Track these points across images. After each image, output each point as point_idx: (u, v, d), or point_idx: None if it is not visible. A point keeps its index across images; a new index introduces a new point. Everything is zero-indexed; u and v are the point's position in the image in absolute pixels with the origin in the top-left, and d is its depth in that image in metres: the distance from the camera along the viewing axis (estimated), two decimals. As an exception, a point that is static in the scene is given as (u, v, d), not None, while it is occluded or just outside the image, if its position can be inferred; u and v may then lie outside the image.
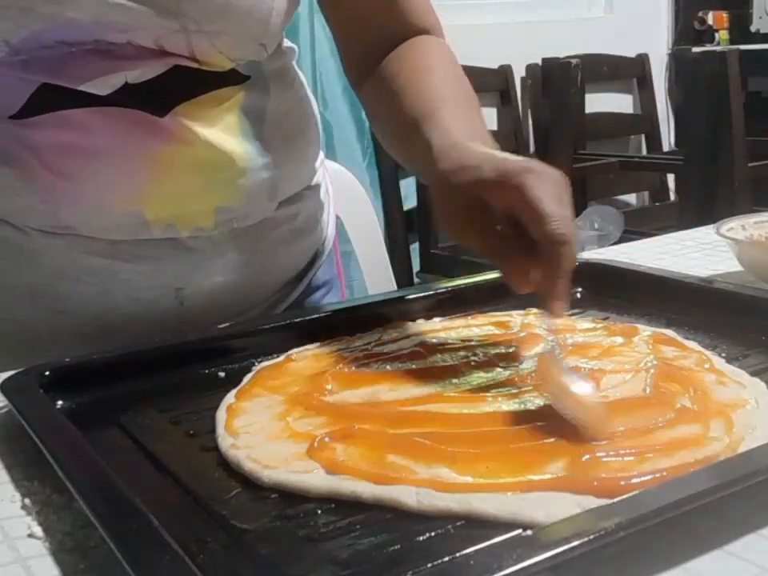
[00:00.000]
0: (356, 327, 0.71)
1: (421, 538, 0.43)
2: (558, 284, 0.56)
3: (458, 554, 0.41)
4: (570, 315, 0.74)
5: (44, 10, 0.66)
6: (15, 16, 0.66)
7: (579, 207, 2.93)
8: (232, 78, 0.75)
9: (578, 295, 0.81)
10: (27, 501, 0.50)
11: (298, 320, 0.73)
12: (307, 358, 0.66)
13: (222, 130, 0.74)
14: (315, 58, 2.51)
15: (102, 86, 0.69)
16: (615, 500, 0.43)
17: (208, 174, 0.74)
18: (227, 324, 0.71)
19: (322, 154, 0.91)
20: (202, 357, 0.67)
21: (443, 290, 0.79)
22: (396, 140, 0.77)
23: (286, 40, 0.84)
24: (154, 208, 0.72)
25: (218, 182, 0.75)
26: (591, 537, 0.39)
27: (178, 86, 0.72)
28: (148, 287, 0.74)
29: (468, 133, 0.66)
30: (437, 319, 0.73)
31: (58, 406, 0.60)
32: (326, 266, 0.91)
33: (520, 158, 0.60)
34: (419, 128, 0.68)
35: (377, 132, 0.83)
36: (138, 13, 0.67)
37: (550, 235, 0.55)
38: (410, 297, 0.78)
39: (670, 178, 3.42)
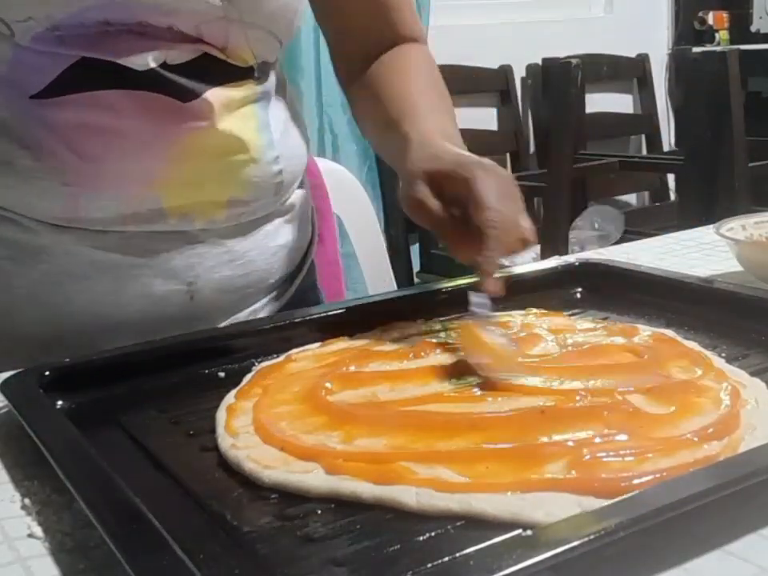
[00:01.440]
0: (356, 327, 0.71)
1: (421, 538, 0.43)
2: (486, 262, 0.63)
3: (457, 554, 0.41)
4: (570, 315, 0.74)
5: None
6: None
7: (579, 207, 2.93)
8: (250, 76, 0.78)
9: (578, 295, 0.81)
10: (27, 501, 0.50)
11: (298, 320, 0.73)
12: (307, 358, 0.66)
13: (240, 119, 0.77)
14: (320, 74, 2.55)
15: (141, 62, 0.71)
16: (615, 500, 0.43)
17: (224, 160, 0.76)
18: (227, 324, 0.71)
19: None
20: (202, 357, 0.67)
21: (443, 289, 0.78)
22: (377, 137, 0.85)
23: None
24: (172, 195, 0.74)
25: (232, 170, 0.77)
26: (591, 537, 0.39)
27: (206, 74, 0.74)
28: (160, 282, 0.75)
29: (439, 132, 0.74)
30: (437, 319, 0.73)
31: (58, 406, 0.60)
32: (311, 269, 0.93)
33: (477, 157, 0.68)
34: (398, 126, 0.76)
35: (361, 129, 0.90)
36: None
37: (483, 221, 0.63)
38: (410, 297, 0.78)
39: (670, 178, 3.42)
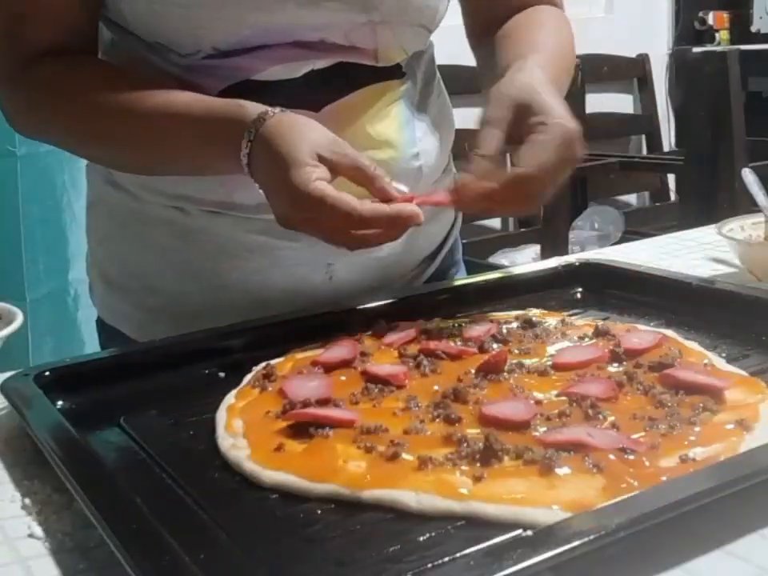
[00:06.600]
0: (355, 328, 0.71)
1: (421, 538, 0.43)
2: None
3: (458, 554, 0.41)
4: (570, 315, 0.74)
5: (252, 17, 0.72)
6: (227, 25, 0.73)
7: (579, 207, 2.92)
8: (395, 73, 0.80)
9: (578, 295, 0.81)
10: (27, 501, 0.50)
11: (297, 319, 0.73)
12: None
13: (382, 119, 0.79)
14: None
15: (290, 70, 0.75)
16: (615, 500, 0.43)
17: (366, 155, 0.75)
18: (228, 324, 0.71)
19: None
20: (202, 357, 0.67)
21: (443, 289, 0.79)
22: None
23: None
24: None
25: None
26: (591, 537, 0.39)
27: (343, 80, 0.77)
28: (302, 263, 0.79)
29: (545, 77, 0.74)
30: (436, 319, 0.73)
31: (58, 406, 0.60)
32: (455, 247, 0.94)
33: (556, 104, 0.70)
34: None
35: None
36: (330, 10, 0.73)
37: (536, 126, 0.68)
38: (410, 297, 0.78)
39: (671, 178, 3.42)
